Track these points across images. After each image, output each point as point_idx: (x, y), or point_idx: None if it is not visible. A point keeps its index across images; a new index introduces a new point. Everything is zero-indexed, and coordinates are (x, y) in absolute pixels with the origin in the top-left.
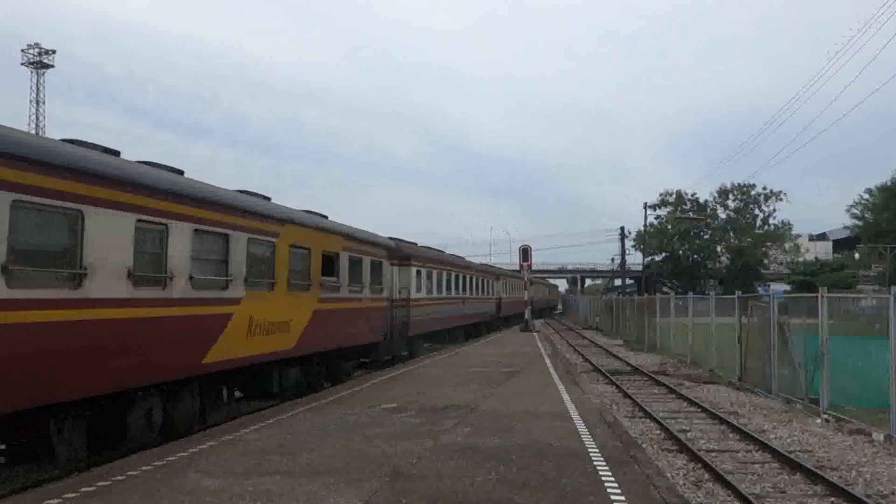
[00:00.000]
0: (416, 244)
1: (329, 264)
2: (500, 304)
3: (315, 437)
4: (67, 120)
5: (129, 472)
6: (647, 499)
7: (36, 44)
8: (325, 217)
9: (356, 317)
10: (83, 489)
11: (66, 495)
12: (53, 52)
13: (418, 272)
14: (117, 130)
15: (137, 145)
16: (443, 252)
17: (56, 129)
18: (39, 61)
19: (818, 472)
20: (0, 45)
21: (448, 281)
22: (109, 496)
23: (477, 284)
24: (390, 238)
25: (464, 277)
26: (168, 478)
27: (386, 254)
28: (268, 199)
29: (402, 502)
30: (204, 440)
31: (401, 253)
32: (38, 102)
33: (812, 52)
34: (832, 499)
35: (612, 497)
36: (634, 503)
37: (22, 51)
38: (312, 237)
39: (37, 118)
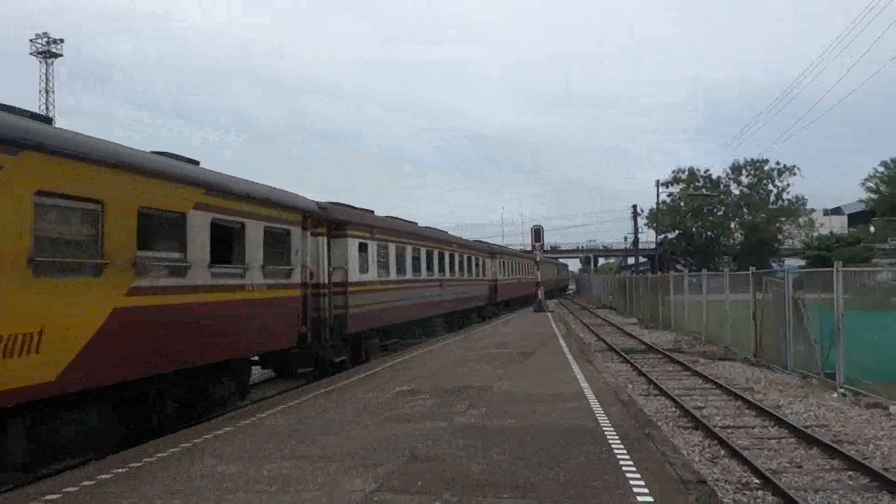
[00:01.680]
0: (354, 208)
1: (161, 231)
2: (495, 287)
3: (331, 420)
4: (77, 108)
5: (147, 459)
6: (663, 476)
7: (44, 33)
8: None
9: (230, 314)
10: (100, 476)
11: (83, 483)
12: (61, 41)
13: (362, 246)
14: (128, 120)
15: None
16: (407, 223)
17: (66, 118)
18: (48, 51)
19: (835, 446)
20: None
21: (415, 259)
22: (127, 482)
23: (461, 264)
24: (321, 202)
25: (440, 254)
26: (185, 463)
27: (299, 219)
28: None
29: (418, 483)
30: (221, 425)
31: (331, 220)
32: (47, 91)
33: (828, 25)
34: (849, 473)
35: (628, 475)
36: (650, 481)
37: (30, 40)
38: (107, 181)
39: (46, 107)
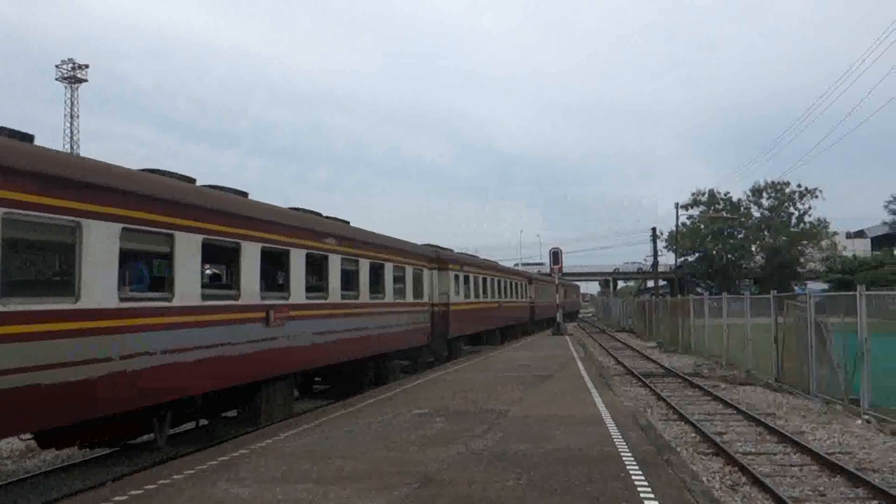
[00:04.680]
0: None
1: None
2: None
3: (347, 442)
4: (101, 132)
5: (162, 482)
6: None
7: (70, 59)
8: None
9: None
10: (116, 498)
11: None
12: (86, 66)
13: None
14: (149, 142)
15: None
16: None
17: (90, 142)
18: (73, 76)
19: (859, 474)
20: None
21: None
22: None
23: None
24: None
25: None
26: (199, 487)
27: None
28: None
29: None
30: (237, 448)
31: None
32: (72, 116)
33: (848, 43)
34: (874, 502)
35: (646, 503)
36: None
37: (56, 66)
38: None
39: (71, 132)
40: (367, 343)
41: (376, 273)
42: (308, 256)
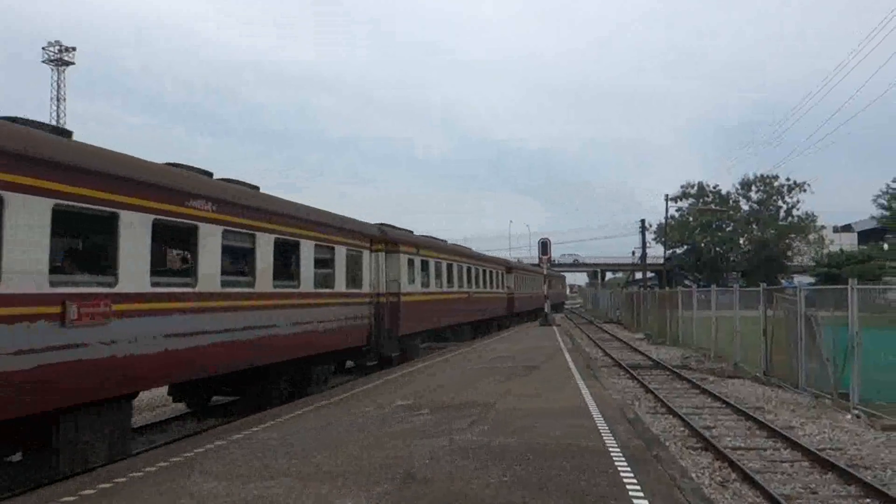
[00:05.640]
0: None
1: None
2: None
3: (326, 436)
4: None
5: (133, 474)
6: (672, 501)
7: (56, 41)
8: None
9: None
10: (83, 492)
11: (63, 499)
12: (73, 49)
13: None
14: (139, 125)
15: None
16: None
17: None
18: (60, 59)
19: (851, 471)
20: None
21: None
22: (109, 500)
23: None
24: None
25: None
26: (171, 480)
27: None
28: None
29: None
30: (212, 439)
31: (387, 239)
32: (58, 99)
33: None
34: (867, 500)
35: (635, 500)
36: None
37: (42, 48)
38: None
39: (57, 115)
40: (268, 346)
41: (285, 254)
42: (158, 226)
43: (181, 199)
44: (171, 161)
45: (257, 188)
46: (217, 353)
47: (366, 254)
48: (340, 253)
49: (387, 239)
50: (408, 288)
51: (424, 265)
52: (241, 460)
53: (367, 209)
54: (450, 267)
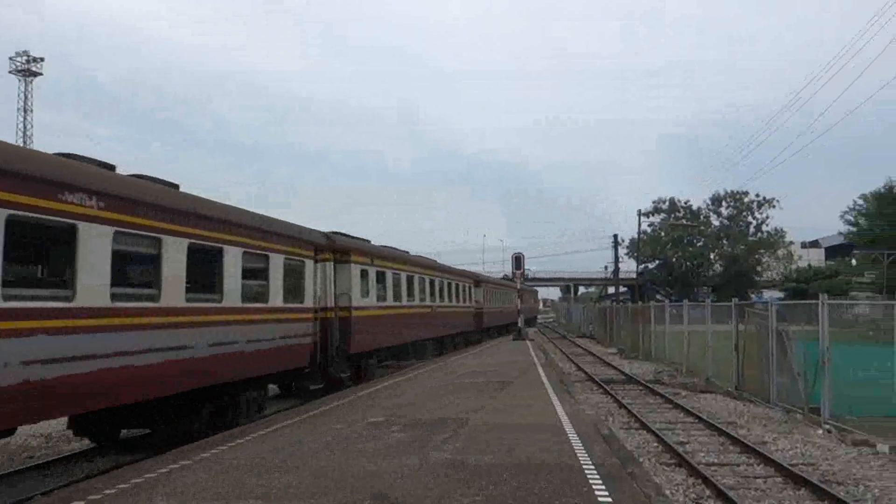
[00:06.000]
0: (353, 237)
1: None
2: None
3: (295, 455)
4: (56, 126)
5: (92, 497)
6: None
7: (24, 52)
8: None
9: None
10: None
11: None
12: (41, 59)
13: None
14: (108, 137)
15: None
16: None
17: (45, 137)
18: (28, 69)
19: (824, 487)
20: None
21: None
22: None
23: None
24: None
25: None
26: (132, 503)
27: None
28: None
29: None
30: (178, 459)
31: (336, 248)
32: (25, 111)
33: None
34: None
35: None
36: None
37: (10, 58)
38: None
39: (24, 127)
40: (179, 371)
41: (203, 262)
42: (15, 224)
43: (51, 192)
44: (64, 151)
45: (177, 186)
46: (102, 382)
47: (309, 263)
48: (276, 262)
49: (335, 247)
50: (360, 302)
51: (380, 277)
52: (206, 481)
53: (337, 222)
54: (410, 279)
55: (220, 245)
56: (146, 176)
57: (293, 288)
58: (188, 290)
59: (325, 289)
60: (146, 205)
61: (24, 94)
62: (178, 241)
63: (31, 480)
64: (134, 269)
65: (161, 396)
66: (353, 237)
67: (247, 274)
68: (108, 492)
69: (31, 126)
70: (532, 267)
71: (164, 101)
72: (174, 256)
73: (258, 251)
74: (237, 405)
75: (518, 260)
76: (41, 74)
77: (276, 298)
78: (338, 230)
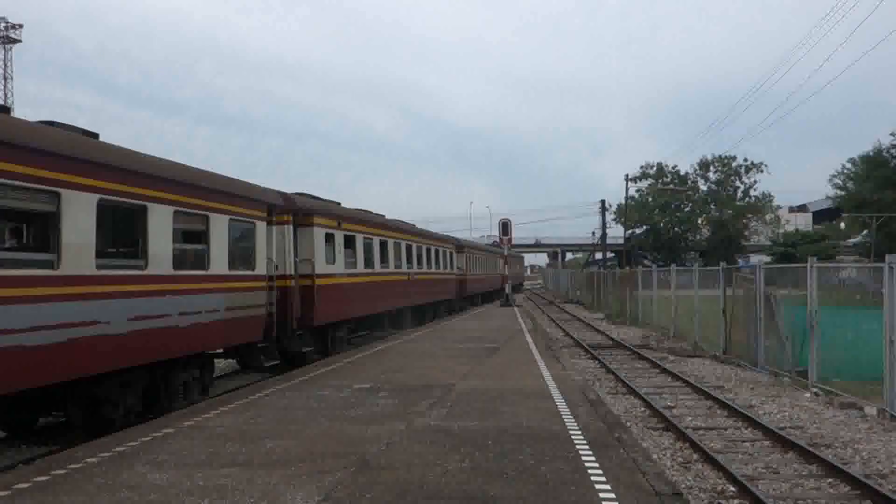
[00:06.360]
0: (320, 199)
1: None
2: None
3: (279, 421)
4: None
5: (73, 465)
6: (636, 487)
7: (2, 18)
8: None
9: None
10: (17, 486)
11: None
12: (21, 26)
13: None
14: (92, 108)
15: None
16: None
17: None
18: (6, 36)
19: (812, 450)
20: None
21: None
22: (43, 494)
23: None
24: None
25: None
26: (113, 471)
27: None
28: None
29: (366, 496)
30: (161, 427)
31: (297, 209)
32: (4, 78)
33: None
34: (829, 479)
35: (598, 486)
36: (621, 492)
37: None
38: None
39: (4, 95)
40: (88, 350)
41: (120, 222)
42: None
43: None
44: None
45: (96, 136)
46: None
47: (261, 226)
48: (219, 224)
49: (295, 209)
50: (325, 269)
51: (349, 241)
52: (189, 449)
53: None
54: (384, 244)
55: (143, 203)
56: (58, 123)
57: (242, 253)
58: (99, 256)
59: (283, 254)
60: (39, 153)
61: (3, 62)
62: (84, 196)
63: None
64: (25, 230)
65: (67, 381)
66: (317, 198)
67: (180, 237)
68: (89, 460)
69: (12, 94)
70: (519, 234)
71: None
72: (77, 215)
73: (195, 211)
74: (170, 387)
75: (505, 226)
76: (20, 41)
77: (220, 265)
78: (304, 191)
